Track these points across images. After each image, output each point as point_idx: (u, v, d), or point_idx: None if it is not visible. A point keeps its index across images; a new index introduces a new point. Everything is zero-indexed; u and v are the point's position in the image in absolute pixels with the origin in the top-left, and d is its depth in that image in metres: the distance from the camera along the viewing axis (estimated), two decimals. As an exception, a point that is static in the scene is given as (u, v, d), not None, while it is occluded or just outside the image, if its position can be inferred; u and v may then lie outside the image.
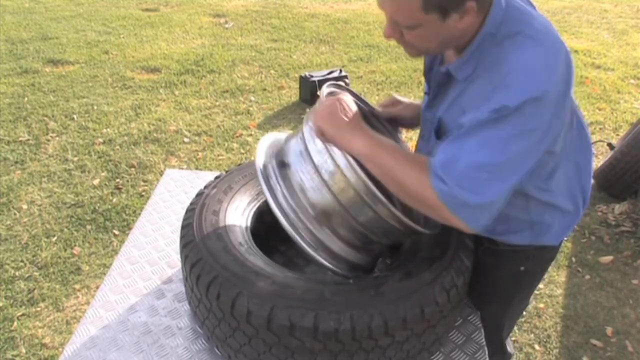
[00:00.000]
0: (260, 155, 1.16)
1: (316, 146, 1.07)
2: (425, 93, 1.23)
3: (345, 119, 1.05)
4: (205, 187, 1.41)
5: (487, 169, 0.94)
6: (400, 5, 0.97)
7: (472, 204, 0.95)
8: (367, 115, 1.34)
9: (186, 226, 1.24)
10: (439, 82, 1.14)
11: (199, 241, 1.17)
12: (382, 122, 1.36)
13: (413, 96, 4.43)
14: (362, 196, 1.03)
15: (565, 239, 1.31)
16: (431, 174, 0.97)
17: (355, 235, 1.10)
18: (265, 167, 1.13)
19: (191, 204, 1.33)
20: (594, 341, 2.18)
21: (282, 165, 1.13)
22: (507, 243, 1.24)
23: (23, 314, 2.20)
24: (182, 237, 1.23)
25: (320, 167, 1.06)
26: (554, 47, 0.97)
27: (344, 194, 1.05)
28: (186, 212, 1.30)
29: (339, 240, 1.10)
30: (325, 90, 1.18)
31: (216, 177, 1.45)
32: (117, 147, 3.51)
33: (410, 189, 1.00)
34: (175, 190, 1.85)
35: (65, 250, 2.57)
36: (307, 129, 1.10)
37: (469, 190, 0.94)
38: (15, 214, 2.81)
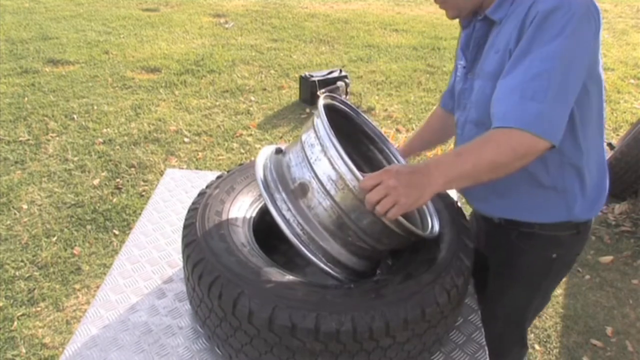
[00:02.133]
0: (260, 165, 1.16)
1: (314, 154, 1.07)
2: (462, 67, 1.27)
3: (406, 187, 0.98)
4: (207, 186, 1.41)
5: (543, 77, 0.98)
6: None
7: (543, 112, 0.98)
8: (357, 129, 1.35)
9: (188, 225, 1.24)
10: (477, 40, 1.18)
11: (202, 241, 1.17)
12: (371, 133, 1.37)
13: (413, 96, 4.43)
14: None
15: (597, 212, 1.31)
16: (500, 120, 1.01)
17: (327, 213, 1.09)
18: (265, 175, 1.14)
19: (193, 203, 1.33)
20: (594, 341, 2.18)
21: (279, 151, 1.17)
22: (545, 224, 1.25)
23: (23, 314, 2.20)
24: (184, 237, 1.23)
25: (321, 174, 1.06)
26: None
27: (345, 200, 1.05)
28: (188, 212, 1.30)
29: (312, 218, 1.09)
30: (321, 101, 1.17)
31: (218, 177, 1.45)
32: (117, 147, 3.51)
33: (501, 155, 1.00)
34: (175, 190, 1.85)
35: (65, 250, 2.57)
36: (305, 135, 1.11)
37: (536, 100, 0.98)
38: (15, 214, 2.81)
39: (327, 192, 1.06)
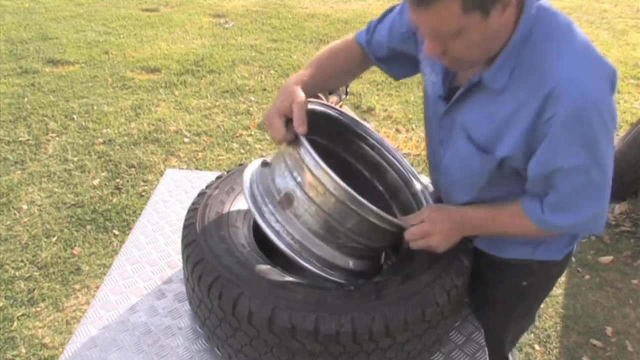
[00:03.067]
0: (247, 179, 1.18)
1: (293, 163, 1.09)
2: (432, 83, 1.18)
3: (441, 236, 1.13)
4: (207, 187, 1.41)
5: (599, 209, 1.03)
6: (439, 12, 0.88)
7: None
8: (346, 128, 1.35)
9: (188, 226, 1.24)
10: (464, 91, 1.07)
11: (202, 241, 1.17)
12: (360, 131, 1.37)
13: (413, 96, 4.43)
14: (346, 202, 1.04)
15: (571, 252, 1.28)
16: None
17: (316, 221, 1.10)
18: (252, 189, 1.16)
19: (193, 203, 1.33)
20: (594, 341, 2.18)
21: (265, 164, 1.18)
22: (507, 257, 1.24)
23: (23, 314, 2.20)
24: (184, 237, 1.23)
25: (302, 182, 1.08)
26: (594, 56, 0.96)
27: (327, 204, 1.06)
28: (188, 212, 1.30)
29: (302, 226, 1.10)
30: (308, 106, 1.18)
31: (218, 177, 1.45)
32: (117, 147, 3.51)
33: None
34: (175, 190, 1.85)
35: (65, 250, 2.57)
36: (284, 146, 1.13)
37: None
38: (15, 214, 2.81)
39: (311, 199, 1.07)
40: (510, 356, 1.59)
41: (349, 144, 1.39)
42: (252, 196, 1.14)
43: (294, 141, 1.08)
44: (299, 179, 1.08)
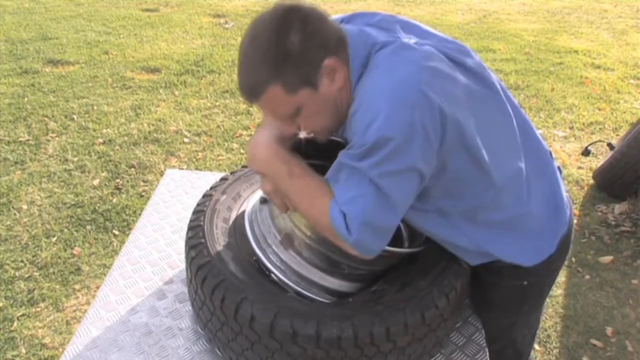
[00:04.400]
0: (248, 221, 1.23)
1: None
2: None
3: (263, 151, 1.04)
4: (212, 188, 1.41)
5: (358, 217, 0.94)
6: (269, 101, 0.94)
7: (351, 240, 0.96)
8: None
9: (195, 227, 1.24)
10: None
11: (208, 244, 1.18)
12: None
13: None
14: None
15: (566, 243, 1.26)
16: (330, 212, 0.96)
17: (317, 257, 1.13)
18: (254, 231, 1.20)
19: (199, 205, 1.34)
20: (594, 341, 2.18)
21: (264, 201, 1.21)
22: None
23: (23, 314, 2.20)
24: (189, 238, 1.23)
25: (298, 222, 1.11)
26: (399, 80, 0.91)
27: (325, 240, 1.08)
28: (194, 213, 1.30)
29: (305, 263, 1.13)
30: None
31: (222, 179, 1.45)
32: (117, 147, 3.51)
33: (315, 216, 1.01)
34: (175, 191, 1.85)
35: (65, 250, 2.57)
36: None
37: (349, 230, 0.95)
38: (15, 214, 2.81)
39: (309, 237, 1.10)
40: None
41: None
42: (255, 237, 1.17)
43: None
44: (295, 220, 1.11)
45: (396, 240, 1.29)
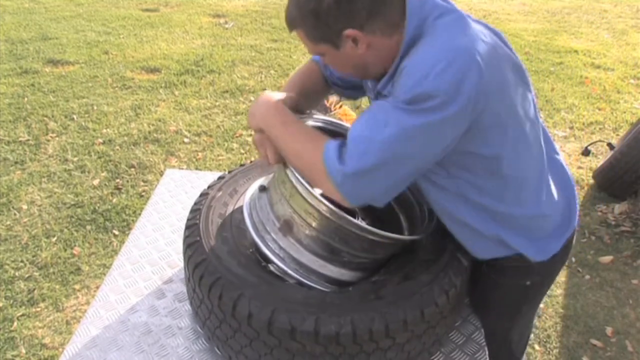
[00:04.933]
0: (247, 208, 1.24)
1: (287, 190, 1.12)
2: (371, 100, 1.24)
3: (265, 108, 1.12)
4: (209, 187, 1.41)
5: (365, 142, 0.95)
6: (298, 36, 1.06)
7: (343, 172, 0.96)
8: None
9: (191, 226, 1.24)
10: (374, 98, 1.15)
11: (204, 242, 1.18)
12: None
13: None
14: (342, 225, 1.06)
15: (569, 243, 1.27)
16: (325, 146, 1.00)
17: (316, 244, 1.12)
18: (253, 217, 1.20)
19: (195, 204, 1.34)
20: (594, 341, 2.18)
21: (262, 189, 1.22)
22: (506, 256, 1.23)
23: (23, 314, 2.20)
24: (186, 237, 1.23)
25: (298, 209, 1.10)
26: (450, 45, 0.94)
27: (325, 227, 1.08)
28: (191, 212, 1.30)
29: (305, 250, 1.12)
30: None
31: (219, 178, 1.45)
32: (117, 147, 3.51)
33: (304, 155, 1.04)
34: (175, 191, 1.85)
35: (65, 250, 2.57)
36: (277, 173, 1.18)
37: (342, 160, 0.96)
38: (15, 214, 2.81)
39: (309, 224, 1.09)
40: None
41: None
42: (254, 224, 1.17)
43: (286, 165, 1.09)
44: (294, 206, 1.10)
45: (395, 230, 1.29)
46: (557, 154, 1.24)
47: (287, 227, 1.13)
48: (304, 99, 1.26)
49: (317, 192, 1.04)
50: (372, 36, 1.00)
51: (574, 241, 1.29)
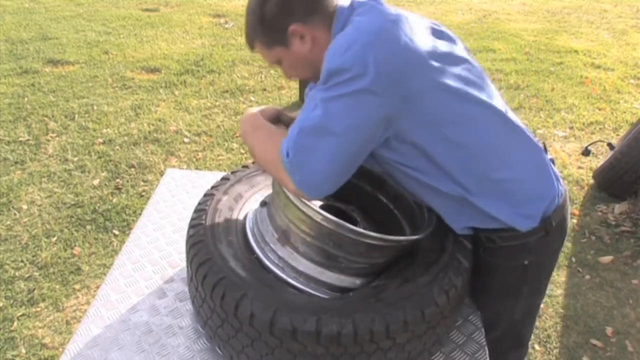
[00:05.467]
0: (249, 221, 1.30)
1: (281, 201, 1.16)
2: None
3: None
4: (213, 187, 1.41)
5: (297, 128, 1.03)
6: (259, 51, 1.19)
7: (288, 161, 1.03)
8: None
9: (196, 226, 1.25)
10: None
11: (209, 242, 1.19)
12: None
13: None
14: (336, 231, 1.07)
15: (562, 220, 1.26)
16: (282, 143, 1.06)
17: (313, 251, 1.14)
18: (253, 231, 1.26)
19: (200, 204, 1.34)
20: (594, 341, 2.18)
21: (264, 204, 1.28)
22: (500, 234, 1.23)
23: (23, 314, 2.20)
24: (190, 236, 1.23)
25: (292, 218, 1.14)
26: (369, 23, 1.03)
27: (320, 234, 1.10)
28: (195, 212, 1.31)
29: (302, 258, 1.15)
30: None
31: (223, 178, 1.45)
32: (117, 147, 3.51)
33: (266, 155, 1.12)
34: (176, 190, 1.85)
35: (65, 250, 2.57)
36: (273, 184, 1.22)
37: (295, 156, 1.02)
38: (15, 214, 2.81)
39: (303, 231, 1.12)
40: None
41: None
42: (254, 236, 1.22)
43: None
44: (289, 215, 1.13)
45: (397, 234, 1.29)
46: (515, 119, 1.24)
47: (284, 237, 1.16)
48: (287, 111, 1.33)
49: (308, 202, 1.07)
50: (314, 30, 1.12)
51: (567, 215, 1.29)
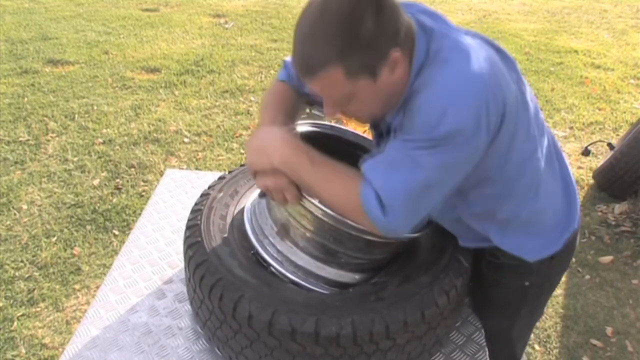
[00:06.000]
0: (247, 213, 1.26)
1: None
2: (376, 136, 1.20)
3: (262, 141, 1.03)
4: (210, 187, 1.41)
5: (401, 193, 0.93)
6: (326, 81, 0.90)
7: (388, 224, 0.95)
8: (349, 143, 1.38)
9: (192, 227, 1.24)
10: (387, 131, 1.10)
11: (205, 243, 1.18)
12: (358, 142, 1.39)
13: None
14: (336, 226, 1.06)
15: (571, 244, 1.25)
16: (363, 195, 0.95)
17: (313, 246, 1.13)
18: (252, 222, 1.23)
19: (196, 204, 1.34)
20: (594, 341, 2.18)
21: (262, 195, 1.20)
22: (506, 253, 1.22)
23: (23, 314, 2.20)
24: (187, 237, 1.23)
25: (292, 212, 1.12)
26: (465, 78, 0.90)
27: (320, 229, 1.09)
28: (192, 212, 1.30)
29: (302, 252, 1.14)
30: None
31: (220, 178, 1.45)
32: (117, 147, 3.51)
33: (342, 202, 0.99)
34: (175, 191, 1.85)
35: (65, 250, 2.57)
36: None
37: (385, 212, 0.93)
38: (15, 214, 2.81)
39: (303, 226, 1.11)
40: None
41: (346, 155, 1.41)
42: (253, 229, 1.20)
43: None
44: (289, 209, 1.11)
45: None
46: (559, 147, 1.23)
47: (284, 231, 1.15)
48: (292, 122, 1.21)
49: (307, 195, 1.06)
50: (406, 58, 0.93)
51: (576, 245, 1.28)
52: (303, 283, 1.11)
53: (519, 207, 1.12)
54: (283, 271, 1.13)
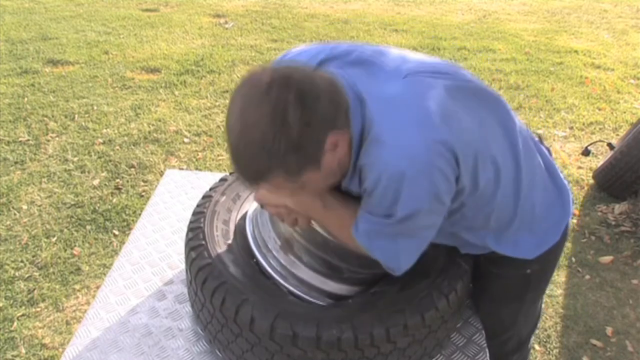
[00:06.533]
0: (249, 221, 1.27)
1: None
2: None
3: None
4: (212, 189, 1.41)
5: (389, 254, 1.00)
6: (271, 186, 0.91)
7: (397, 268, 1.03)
8: None
9: (195, 229, 1.24)
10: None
11: (209, 246, 1.18)
12: None
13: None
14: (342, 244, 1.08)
15: (566, 232, 1.27)
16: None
17: (317, 261, 1.13)
18: (254, 231, 1.23)
19: (198, 206, 1.34)
20: (594, 341, 2.18)
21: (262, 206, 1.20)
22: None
23: (23, 314, 2.20)
24: (189, 240, 1.23)
25: (296, 227, 1.11)
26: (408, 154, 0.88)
27: (324, 245, 1.10)
28: (194, 215, 1.30)
29: (305, 267, 1.14)
30: None
31: (221, 180, 1.45)
32: (117, 147, 3.51)
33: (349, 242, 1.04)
34: (175, 191, 1.85)
35: (65, 250, 2.56)
36: None
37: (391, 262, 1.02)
38: (15, 214, 2.81)
39: (308, 242, 1.12)
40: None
41: None
42: (256, 242, 1.20)
43: None
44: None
45: None
46: (540, 147, 1.23)
47: (287, 246, 1.15)
48: None
49: None
50: (344, 132, 0.89)
51: (569, 226, 1.29)
52: (306, 297, 1.12)
53: (511, 210, 1.13)
54: (286, 285, 1.13)
